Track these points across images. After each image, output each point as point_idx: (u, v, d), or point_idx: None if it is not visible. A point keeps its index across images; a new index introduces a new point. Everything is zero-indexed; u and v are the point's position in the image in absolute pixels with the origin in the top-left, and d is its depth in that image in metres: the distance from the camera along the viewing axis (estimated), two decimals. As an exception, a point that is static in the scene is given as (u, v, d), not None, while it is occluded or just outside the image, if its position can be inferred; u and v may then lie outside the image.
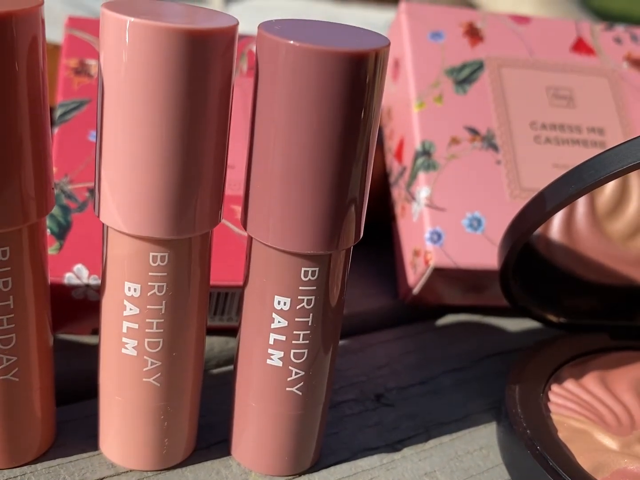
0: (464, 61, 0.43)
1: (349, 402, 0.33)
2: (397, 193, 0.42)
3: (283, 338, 0.26)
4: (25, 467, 0.27)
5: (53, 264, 0.32)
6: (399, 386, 0.35)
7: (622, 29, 0.47)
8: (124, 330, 0.25)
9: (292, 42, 0.22)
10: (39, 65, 0.23)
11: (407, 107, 0.42)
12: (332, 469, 0.30)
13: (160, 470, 0.28)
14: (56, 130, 0.36)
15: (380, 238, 0.45)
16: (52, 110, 0.37)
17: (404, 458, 0.31)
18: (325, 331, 0.27)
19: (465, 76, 0.42)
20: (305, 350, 0.26)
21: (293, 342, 0.26)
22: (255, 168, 0.24)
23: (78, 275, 0.32)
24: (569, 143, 0.42)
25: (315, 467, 0.30)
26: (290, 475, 0.29)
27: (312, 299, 0.25)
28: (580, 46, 0.45)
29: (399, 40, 0.44)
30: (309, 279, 0.25)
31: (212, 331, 0.36)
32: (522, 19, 0.45)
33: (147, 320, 0.25)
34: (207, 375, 0.34)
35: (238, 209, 0.36)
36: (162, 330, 0.25)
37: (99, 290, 0.26)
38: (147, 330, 0.25)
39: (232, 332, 0.35)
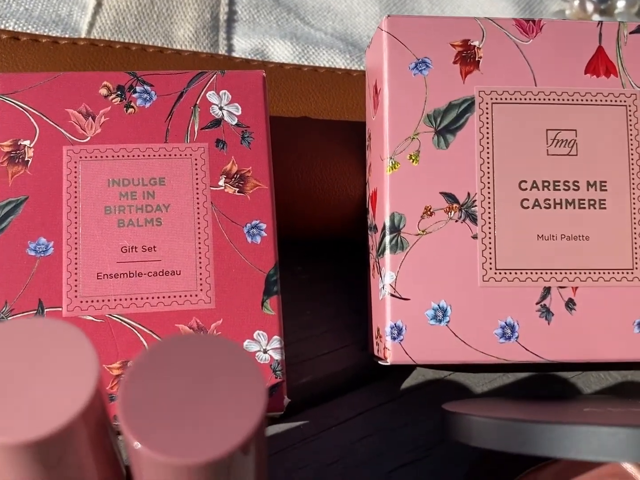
0: (451, 100, 0.37)
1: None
2: (371, 244, 0.40)
3: None
4: None
5: None
6: (348, 487, 0.37)
7: (657, 28, 0.38)
8: None
9: (138, 445, 0.20)
10: None
11: (380, 162, 0.37)
12: None
13: None
14: (-7, 243, 0.34)
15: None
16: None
17: None
18: None
19: (449, 122, 0.37)
20: None
21: None
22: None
23: None
24: (561, 206, 0.37)
25: None
26: None
27: None
28: (598, 62, 0.38)
29: (378, 65, 0.38)
30: None
31: None
32: (530, 28, 0.38)
33: None
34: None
35: (183, 327, 0.35)
36: None
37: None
38: None
39: None
